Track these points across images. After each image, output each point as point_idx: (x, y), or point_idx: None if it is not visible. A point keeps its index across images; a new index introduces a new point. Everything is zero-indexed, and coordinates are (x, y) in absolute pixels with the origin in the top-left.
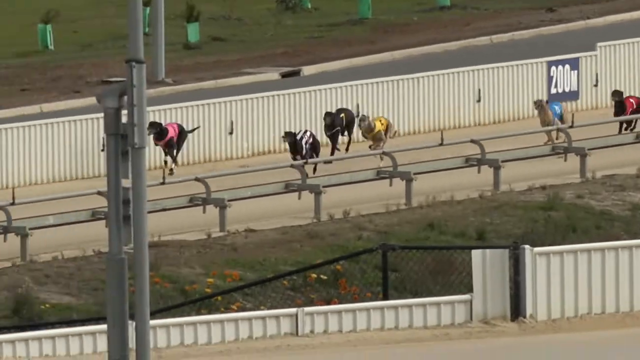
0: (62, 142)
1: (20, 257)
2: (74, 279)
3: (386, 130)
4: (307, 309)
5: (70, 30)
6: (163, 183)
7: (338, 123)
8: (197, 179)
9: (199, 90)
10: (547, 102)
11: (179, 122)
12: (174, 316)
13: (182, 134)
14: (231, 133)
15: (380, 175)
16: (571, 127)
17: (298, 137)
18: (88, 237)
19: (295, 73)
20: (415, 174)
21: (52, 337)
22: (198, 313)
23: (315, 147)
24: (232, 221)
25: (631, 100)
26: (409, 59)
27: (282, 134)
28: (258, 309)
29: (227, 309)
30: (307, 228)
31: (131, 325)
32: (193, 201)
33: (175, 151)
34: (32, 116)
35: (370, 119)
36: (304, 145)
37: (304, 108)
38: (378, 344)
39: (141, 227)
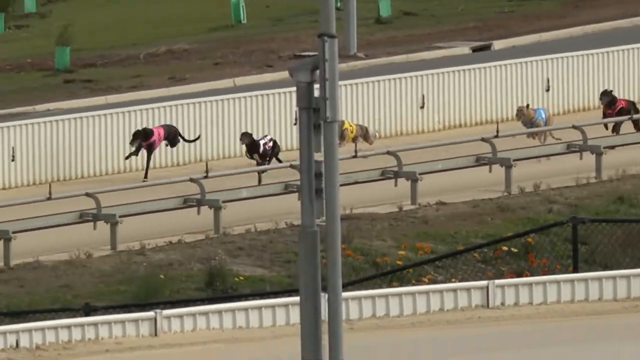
0: (255, 116)
1: (214, 230)
2: (267, 251)
3: (356, 136)
4: (498, 281)
5: (262, 5)
6: (355, 156)
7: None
8: (388, 152)
9: (391, 64)
10: (527, 106)
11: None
12: (365, 288)
13: (174, 138)
14: (422, 107)
15: (570, 149)
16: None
17: (257, 139)
18: (280, 209)
19: (486, 47)
20: (604, 147)
21: (245, 309)
22: (389, 285)
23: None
24: (423, 194)
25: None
26: (599, 33)
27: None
28: (449, 281)
29: (419, 282)
30: (498, 201)
31: (323, 297)
32: (385, 174)
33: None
34: (225, 90)
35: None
36: (261, 146)
37: (495, 82)
38: (568, 316)
39: (333, 199)
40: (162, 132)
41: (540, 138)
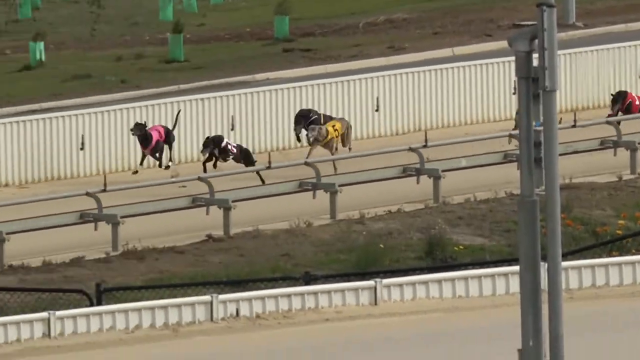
0: (474, 85)
1: (433, 199)
2: (486, 220)
3: (344, 135)
4: None
5: None
6: (574, 126)
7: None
8: (607, 122)
9: (609, 34)
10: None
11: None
12: (585, 258)
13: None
14: None
15: None
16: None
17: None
18: (499, 179)
19: None
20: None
21: (465, 278)
22: (609, 255)
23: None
24: None
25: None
26: None
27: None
28: None
29: (639, 251)
30: None
31: (543, 267)
32: (604, 144)
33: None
34: (444, 59)
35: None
36: (154, 139)
37: None
38: None
39: (552, 169)
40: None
41: None
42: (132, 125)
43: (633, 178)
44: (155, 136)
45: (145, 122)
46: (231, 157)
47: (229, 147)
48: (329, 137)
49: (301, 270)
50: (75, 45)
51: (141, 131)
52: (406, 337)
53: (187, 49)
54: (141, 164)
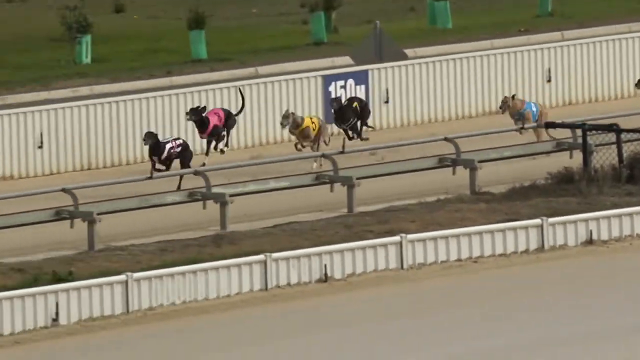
0: None
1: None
2: None
3: (318, 132)
4: None
5: None
6: None
7: (351, 113)
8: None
9: None
10: (513, 97)
11: None
12: None
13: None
14: None
15: None
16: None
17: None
18: None
19: None
20: None
21: None
22: None
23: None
24: None
25: None
26: None
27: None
28: None
29: None
30: None
31: None
32: None
33: (217, 138)
34: None
35: (297, 115)
36: (166, 150)
37: None
38: None
39: None
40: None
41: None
42: None
43: None
44: (213, 120)
45: (203, 106)
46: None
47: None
48: (304, 125)
49: None
50: None
51: (197, 116)
52: None
53: None
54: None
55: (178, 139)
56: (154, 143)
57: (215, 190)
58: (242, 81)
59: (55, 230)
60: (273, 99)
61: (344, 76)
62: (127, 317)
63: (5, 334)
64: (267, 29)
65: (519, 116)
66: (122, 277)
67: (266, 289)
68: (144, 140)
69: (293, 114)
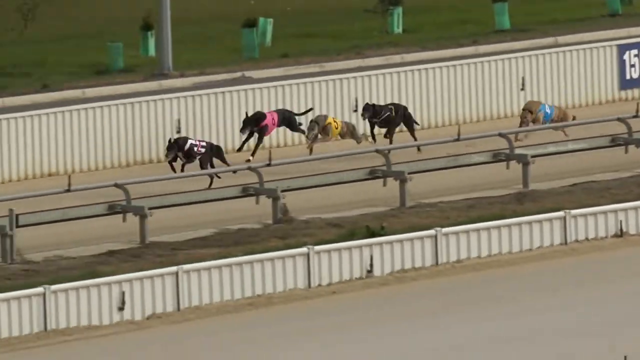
0: None
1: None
2: None
3: (343, 133)
4: None
5: None
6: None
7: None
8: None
9: None
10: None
11: None
12: None
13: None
14: None
15: None
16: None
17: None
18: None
19: None
20: None
21: None
22: None
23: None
24: None
25: None
26: None
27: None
28: None
29: None
30: None
31: None
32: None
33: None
34: None
35: (321, 123)
36: (189, 145)
37: None
38: None
39: None
40: (275, 116)
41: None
42: None
43: None
44: (268, 119)
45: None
46: (198, 157)
47: (195, 148)
48: (336, 132)
49: None
50: None
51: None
52: None
53: None
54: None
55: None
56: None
57: (517, 151)
58: (541, 50)
59: (370, 188)
60: (571, 67)
61: (638, 45)
62: (436, 268)
63: (323, 284)
64: (565, 1)
65: (533, 120)
66: (431, 231)
67: (565, 243)
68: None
69: (317, 123)
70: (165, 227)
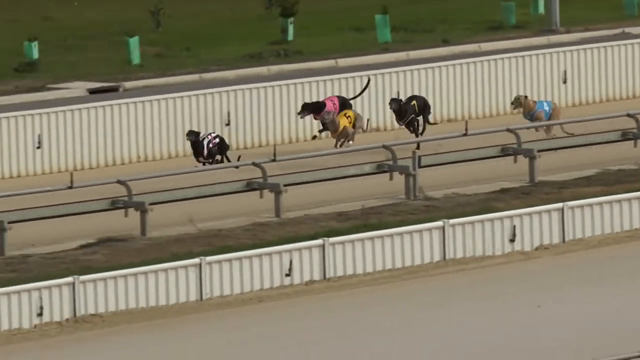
0: None
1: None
2: None
3: (354, 124)
4: None
5: None
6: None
7: (410, 111)
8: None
9: None
10: (525, 97)
11: None
12: None
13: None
14: None
15: None
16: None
17: (200, 138)
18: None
19: None
20: None
21: None
22: None
23: (221, 149)
24: None
25: None
26: None
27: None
28: None
29: None
30: None
31: None
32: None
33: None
34: None
35: (334, 116)
36: (205, 146)
37: None
38: None
39: None
40: (336, 101)
41: (546, 131)
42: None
43: None
44: (328, 106)
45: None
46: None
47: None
48: (341, 127)
49: None
50: None
51: (308, 109)
52: None
53: None
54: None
55: (212, 133)
56: (195, 140)
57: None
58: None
59: None
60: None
61: None
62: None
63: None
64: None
65: (530, 117)
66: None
67: None
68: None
69: (331, 114)
70: (553, 168)
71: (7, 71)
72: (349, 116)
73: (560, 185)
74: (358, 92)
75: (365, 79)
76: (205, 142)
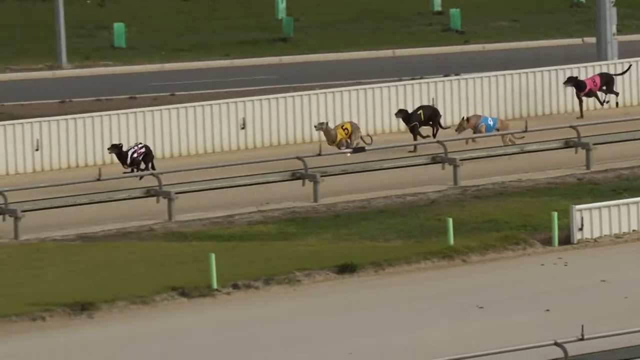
0: None
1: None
2: None
3: (350, 135)
4: None
5: None
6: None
7: (415, 118)
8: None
9: None
10: (468, 119)
11: None
12: None
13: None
14: None
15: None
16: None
17: (125, 149)
18: None
19: None
20: None
21: None
22: None
23: (146, 157)
24: None
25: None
26: None
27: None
28: None
29: None
30: None
31: None
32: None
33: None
34: None
35: (331, 126)
36: (129, 156)
37: None
38: None
39: None
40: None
41: (504, 140)
42: None
43: None
44: (589, 84)
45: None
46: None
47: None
48: (338, 139)
49: None
50: None
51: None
52: None
53: None
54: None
55: (139, 144)
56: (118, 152)
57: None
58: None
59: None
60: None
61: None
62: None
63: None
64: None
65: (475, 130)
66: None
67: None
68: (109, 150)
69: (327, 123)
70: None
71: None
72: (346, 128)
73: None
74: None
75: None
76: (130, 152)
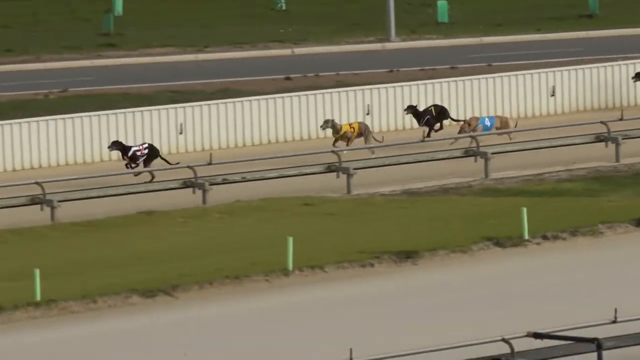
0: None
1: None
2: None
3: (360, 133)
4: None
5: None
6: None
7: (427, 114)
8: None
9: None
10: (469, 123)
11: None
12: None
13: None
14: None
15: None
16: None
17: (130, 146)
18: None
19: None
20: None
21: None
22: None
23: (150, 155)
24: None
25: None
26: None
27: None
28: None
29: None
30: None
31: None
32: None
33: None
34: None
35: (337, 122)
36: (131, 151)
37: None
38: None
39: None
40: None
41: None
42: None
43: None
44: None
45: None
46: (141, 159)
47: (136, 152)
48: (342, 131)
49: None
50: None
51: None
52: None
53: None
54: None
55: (144, 144)
56: (120, 148)
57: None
58: None
59: None
60: None
61: None
62: None
63: None
64: None
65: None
66: None
67: None
68: (109, 148)
69: (333, 120)
70: None
71: None
72: (354, 127)
73: None
74: None
75: None
76: (133, 149)
